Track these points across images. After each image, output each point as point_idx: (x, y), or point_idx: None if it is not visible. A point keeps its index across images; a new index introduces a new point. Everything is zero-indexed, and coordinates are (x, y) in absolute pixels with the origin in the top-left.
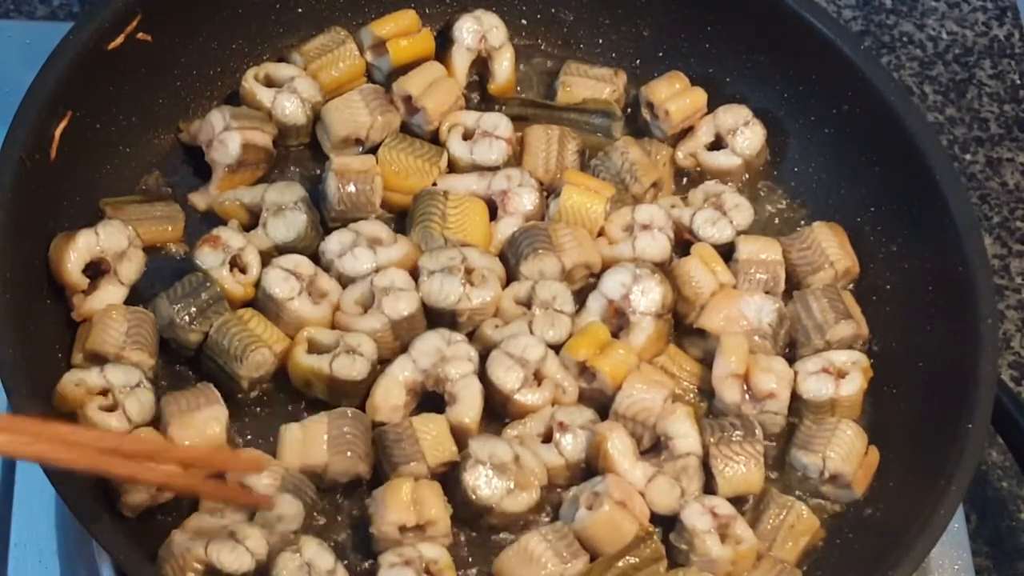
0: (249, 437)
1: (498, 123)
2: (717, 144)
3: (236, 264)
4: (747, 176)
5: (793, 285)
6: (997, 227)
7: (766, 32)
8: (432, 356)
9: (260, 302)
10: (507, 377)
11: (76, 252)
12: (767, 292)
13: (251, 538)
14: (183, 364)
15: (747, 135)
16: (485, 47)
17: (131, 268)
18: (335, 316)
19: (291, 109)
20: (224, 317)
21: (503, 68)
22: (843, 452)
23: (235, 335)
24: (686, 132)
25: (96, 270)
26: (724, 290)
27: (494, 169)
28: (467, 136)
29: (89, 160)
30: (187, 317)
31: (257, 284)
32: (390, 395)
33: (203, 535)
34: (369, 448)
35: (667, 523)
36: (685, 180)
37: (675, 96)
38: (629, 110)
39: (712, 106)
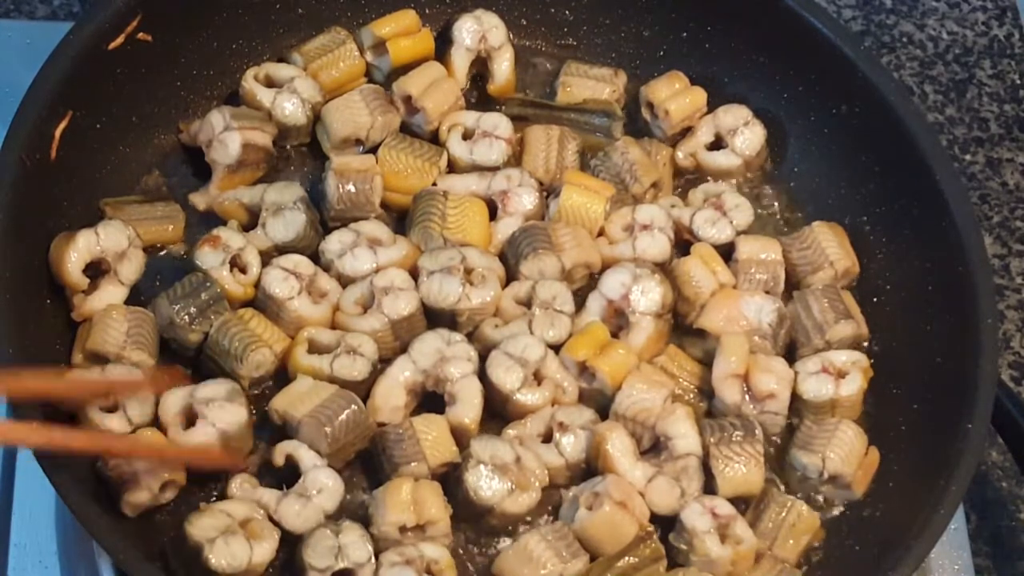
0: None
1: (498, 123)
2: (717, 144)
3: (236, 264)
4: (747, 176)
5: (793, 285)
6: (997, 227)
7: (766, 32)
8: (432, 356)
9: (260, 302)
10: (507, 377)
11: (76, 252)
12: (767, 292)
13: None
14: (183, 364)
15: (747, 135)
16: (485, 47)
17: (131, 268)
18: (335, 316)
19: (291, 109)
20: (224, 317)
21: (503, 68)
22: (843, 453)
23: (235, 335)
24: (686, 132)
25: (96, 270)
26: (724, 290)
27: (494, 169)
28: (467, 136)
29: (89, 160)
30: (187, 317)
31: (257, 284)
32: (390, 396)
33: None
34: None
35: (667, 523)
36: (683, 180)
37: (675, 96)
38: (627, 110)
39: (712, 106)
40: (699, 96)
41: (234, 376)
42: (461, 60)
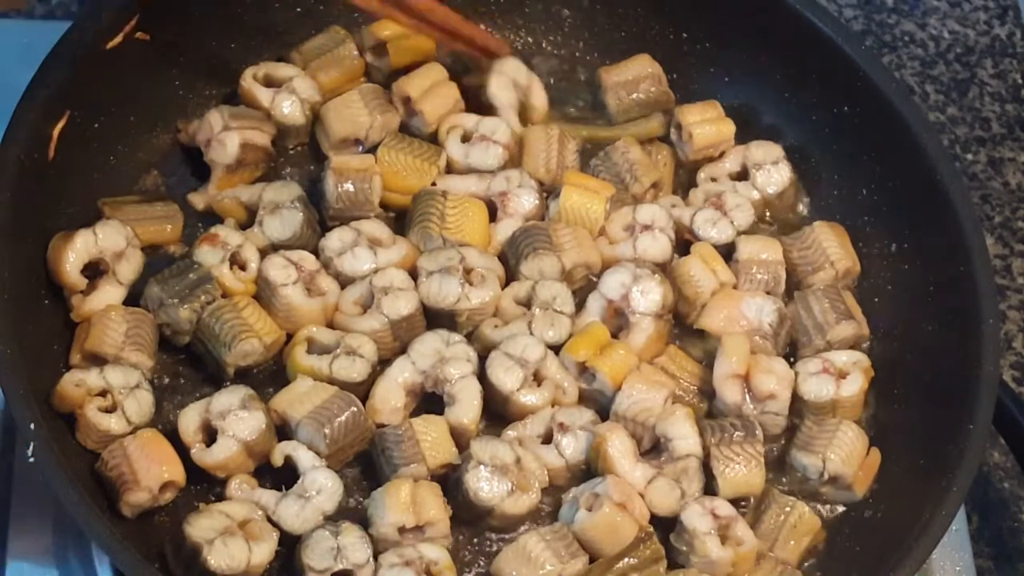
0: None
1: (496, 128)
2: (744, 176)
3: (235, 261)
4: (767, 214)
5: (794, 285)
6: (999, 227)
7: (765, 31)
8: (431, 357)
9: (259, 288)
10: (507, 378)
11: (74, 252)
12: (768, 292)
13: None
14: (182, 364)
15: (772, 173)
16: (521, 90)
17: (129, 268)
18: (335, 316)
19: (290, 109)
20: (219, 302)
21: (539, 98)
22: (843, 453)
23: (227, 321)
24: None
25: (95, 270)
26: (724, 290)
27: (492, 172)
28: (465, 139)
29: (87, 160)
30: (176, 297)
31: (258, 279)
32: (389, 397)
33: None
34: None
35: (667, 523)
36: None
37: (704, 122)
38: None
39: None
40: (727, 127)
41: (220, 361)
42: (511, 116)
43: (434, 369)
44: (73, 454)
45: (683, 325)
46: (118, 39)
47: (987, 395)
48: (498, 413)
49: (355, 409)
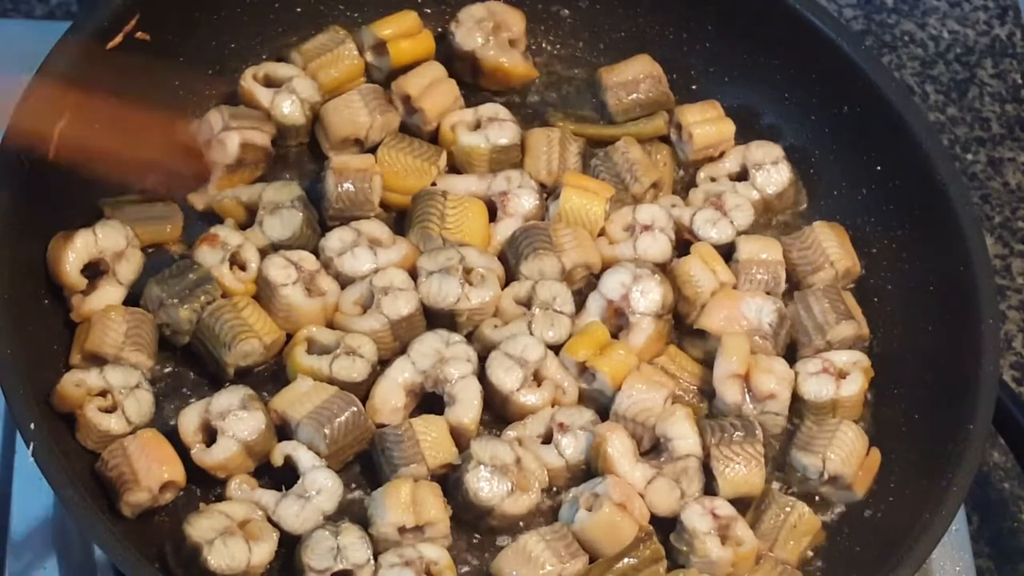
0: None
1: (497, 110)
2: (744, 176)
3: (235, 261)
4: (767, 215)
5: (794, 285)
6: (999, 227)
7: (766, 31)
8: (431, 357)
9: (259, 288)
10: (506, 378)
11: (74, 252)
12: (768, 292)
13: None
14: (182, 365)
15: (771, 173)
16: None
17: (129, 268)
18: (335, 316)
19: (290, 109)
20: (219, 302)
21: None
22: (843, 453)
23: (227, 321)
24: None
25: (95, 270)
26: (724, 290)
27: (510, 149)
28: (473, 129)
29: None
30: (176, 297)
31: (257, 280)
32: (389, 397)
33: None
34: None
35: (667, 523)
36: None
37: (703, 122)
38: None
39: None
40: (727, 127)
41: (220, 361)
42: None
43: (434, 369)
44: (73, 454)
45: (683, 325)
46: (118, 39)
47: (987, 395)
48: (498, 413)
49: (355, 409)
